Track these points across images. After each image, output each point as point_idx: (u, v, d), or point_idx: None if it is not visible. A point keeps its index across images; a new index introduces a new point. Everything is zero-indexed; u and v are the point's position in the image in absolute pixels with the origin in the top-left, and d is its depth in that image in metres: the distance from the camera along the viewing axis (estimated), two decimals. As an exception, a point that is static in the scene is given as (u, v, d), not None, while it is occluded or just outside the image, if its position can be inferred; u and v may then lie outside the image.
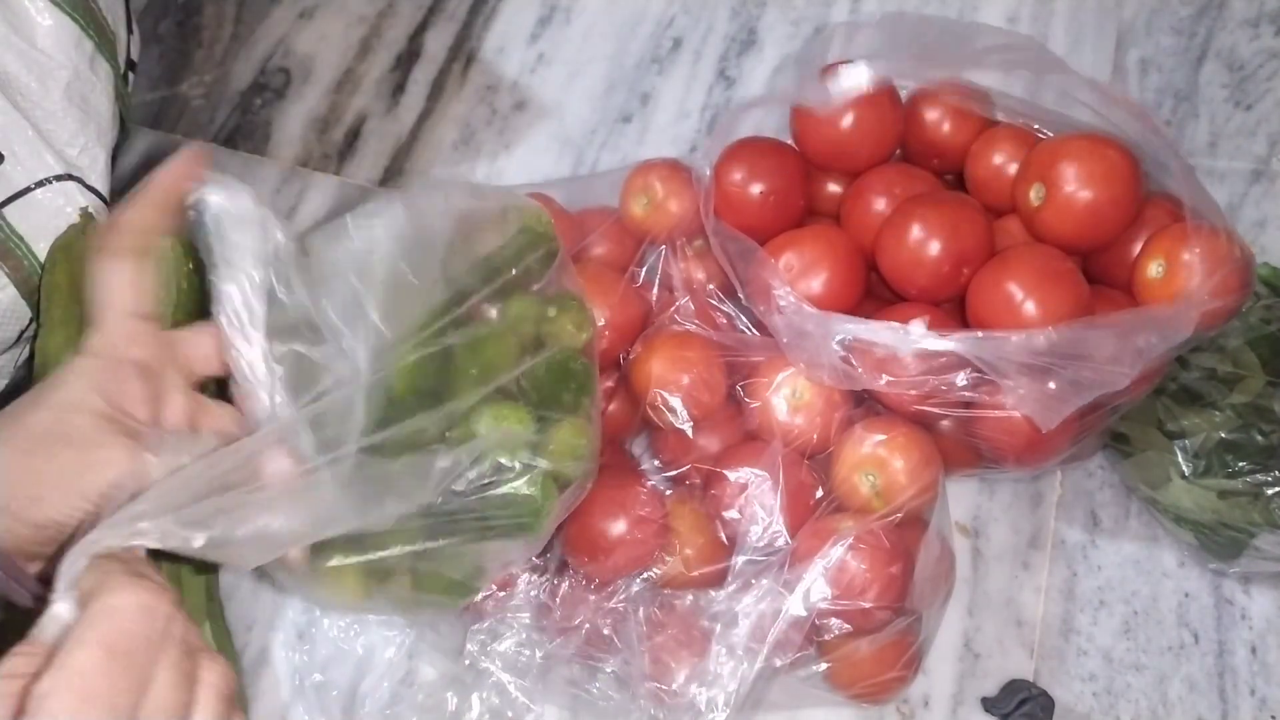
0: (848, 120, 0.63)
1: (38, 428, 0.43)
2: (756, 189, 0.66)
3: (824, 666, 0.60)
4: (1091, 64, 0.83)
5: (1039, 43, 0.63)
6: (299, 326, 0.51)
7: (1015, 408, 0.57)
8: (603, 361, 0.66)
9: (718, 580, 0.62)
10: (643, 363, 0.64)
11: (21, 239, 0.71)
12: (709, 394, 0.63)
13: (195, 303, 0.72)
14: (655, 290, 0.69)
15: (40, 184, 0.72)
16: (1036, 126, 0.65)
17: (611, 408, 0.67)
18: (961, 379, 0.57)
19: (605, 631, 0.62)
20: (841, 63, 0.62)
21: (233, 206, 0.50)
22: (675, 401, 0.63)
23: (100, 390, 0.44)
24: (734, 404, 0.65)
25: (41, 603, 0.37)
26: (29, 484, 0.41)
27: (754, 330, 0.67)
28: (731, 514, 0.61)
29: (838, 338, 0.58)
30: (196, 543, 0.41)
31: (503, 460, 0.52)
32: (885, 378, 0.58)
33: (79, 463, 0.41)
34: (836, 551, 0.58)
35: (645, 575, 0.62)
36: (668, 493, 0.65)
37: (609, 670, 0.62)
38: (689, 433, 0.64)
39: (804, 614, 0.58)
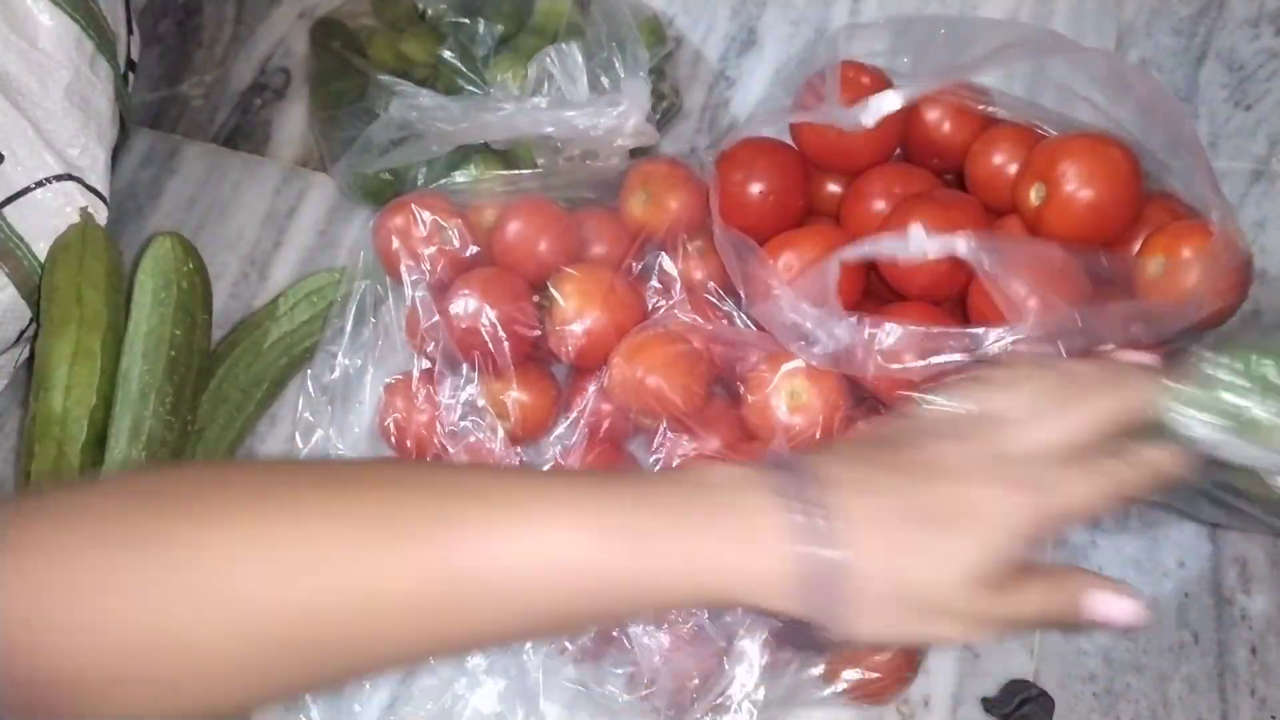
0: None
1: None
2: (756, 189, 0.66)
3: (824, 667, 0.60)
4: (1091, 64, 0.83)
5: (1048, 29, 0.63)
6: None
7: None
8: (597, 361, 0.66)
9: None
10: (621, 361, 0.64)
11: (21, 239, 0.71)
12: (688, 390, 0.63)
13: (195, 303, 0.72)
14: (653, 289, 0.69)
15: (40, 184, 0.72)
16: (1037, 125, 0.65)
17: (606, 407, 0.67)
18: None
19: (613, 633, 0.62)
20: (871, 88, 0.61)
21: None
22: (652, 399, 0.63)
23: None
24: (733, 403, 0.65)
25: None
26: None
27: (753, 329, 0.67)
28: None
29: (839, 260, 0.58)
30: None
31: None
32: (880, 362, 0.58)
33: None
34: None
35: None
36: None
37: (618, 671, 0.62)
38: (668, 430, 0.64)
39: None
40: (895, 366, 0.57)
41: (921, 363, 0.58)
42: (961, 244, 0.56)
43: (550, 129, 0.68)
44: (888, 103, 0.60)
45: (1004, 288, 0.55)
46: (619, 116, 0.67)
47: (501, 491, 0.34)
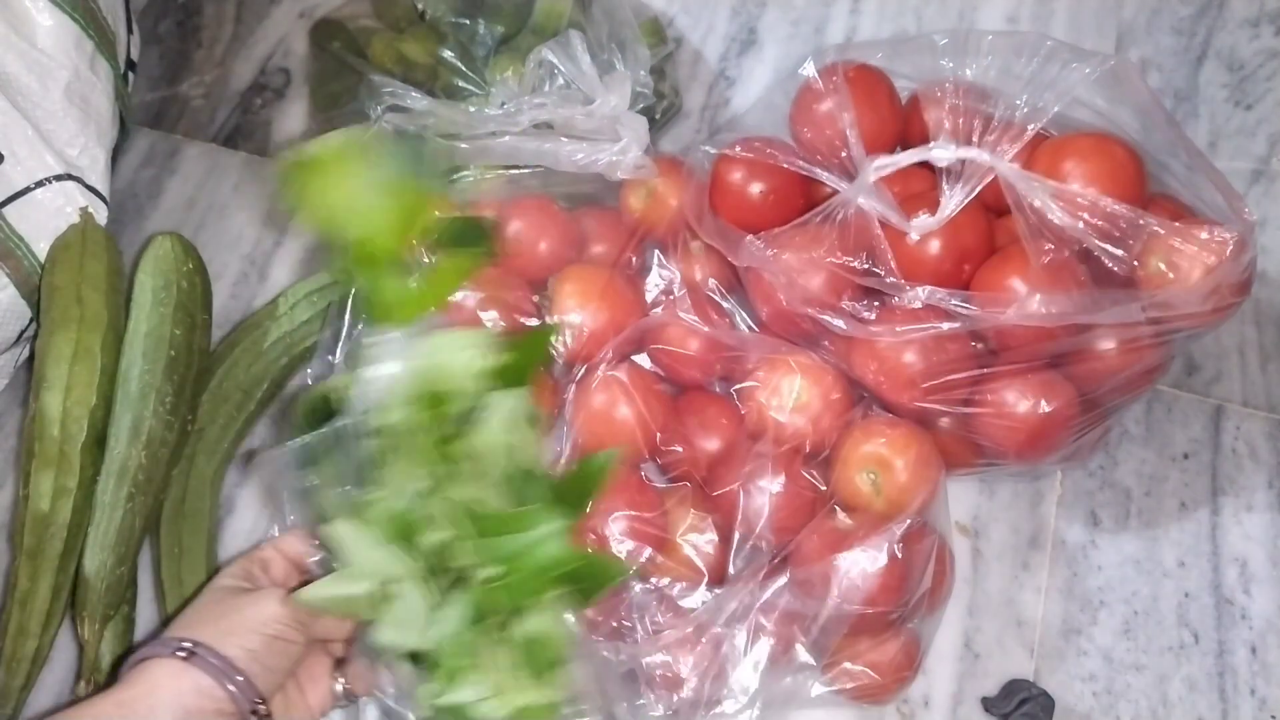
0: (847, 119, 0.63)
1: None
2: (756, 188, 0.66)
3: (824, 666, 0.60)
4: (1091, 64, 0.83)
5: (1047, 36, 0.64)
6: None
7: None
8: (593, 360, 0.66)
9: (717, 580, 0.62)
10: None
11: (21, 239, 0.71)
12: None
13: (195, 303, 0.72)
14: (653, 286, 0.69)
15: (40, 184, 0.72)
16: (1039, 126, 0.65)
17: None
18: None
19: (610, 633, 0.61)
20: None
21: None
22: None
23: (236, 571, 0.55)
24: (733, 403, 0.65)
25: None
26: (215, 629, 0.51)
27: (753, 328, 0.67)
28: (731, 512, 0.61)
29: (873, 177, 0.60)
30: None
31: None
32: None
33: (241, 606, 0.52)
34: (837, 552, 0.58)
35: (645, 575, 0.62)
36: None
37: (618, 672, 0.62)
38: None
39: (806, 614, 0.58)
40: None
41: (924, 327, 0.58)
42: (979, 153, 0.58)
43: (550, 162, 0.68)
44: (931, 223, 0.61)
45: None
46: (619, 152, 0.67)
47: None
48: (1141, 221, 0.57)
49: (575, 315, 0.65)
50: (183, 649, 0.49)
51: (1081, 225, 0.57)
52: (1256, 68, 0.83)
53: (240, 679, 0.49)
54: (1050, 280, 0.58)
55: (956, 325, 0.59)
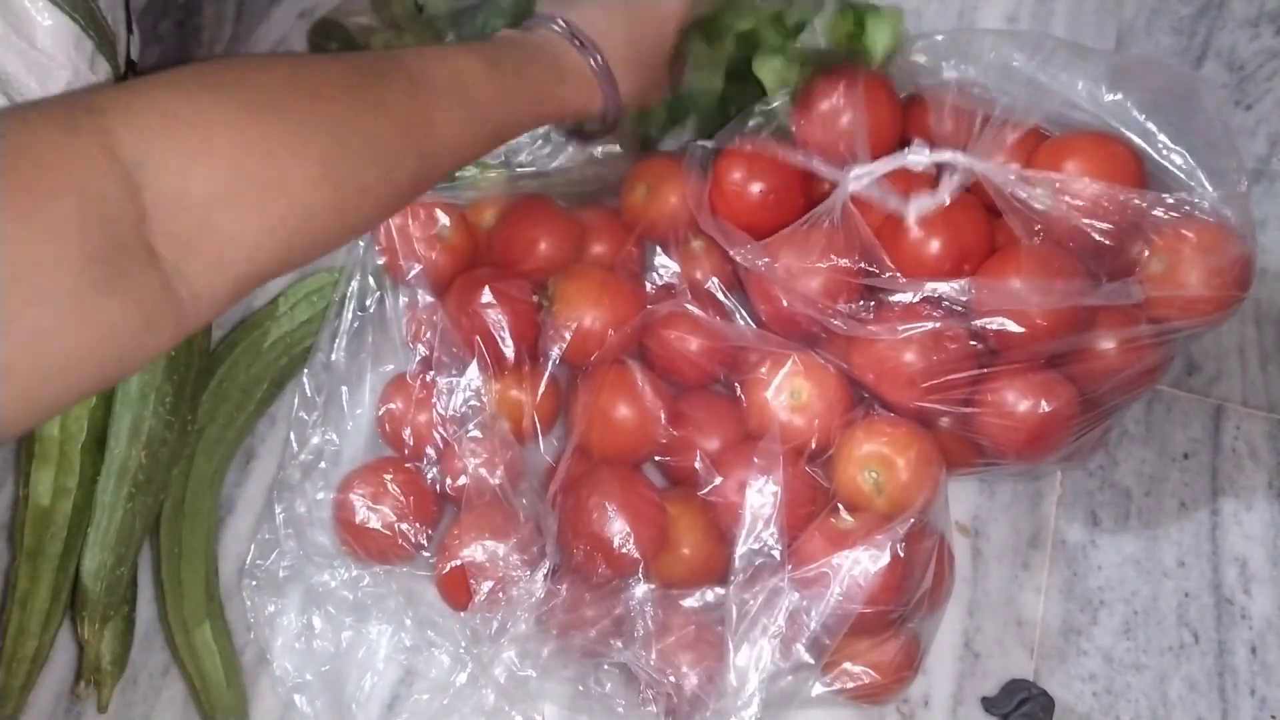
0: (847, 119, 0.63)
1: None
2: (756, 188, 0.66)
3: (824, 666, 0.60)
4: (1091, 64, 0.83)
5: (1049, 35, 0.64)
6: None
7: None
8: (600, 361, 0.66)
9: (718, 579, 0.62)
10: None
11: (21, 239, 0.71)
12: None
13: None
14: (653, 285, 0.69)
15: (40, 184, 0.72)
16: (1039, 125, 0.65)
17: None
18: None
19: (609, 633, 0.62)
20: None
21: None
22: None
23: None
24: (733, 403, 0.65)
25: None
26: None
27: (754, 327, 0.67)
28: (731, 512, 0.61)
29: (852, 187, 0.61)
30: None
31: None
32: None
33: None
34: (839, 551, 0.58)
35: (645, 575, 0.62)
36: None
37: (618, 671, 0.62)
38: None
39: (807, 614, 0.58)
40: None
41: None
42: (956, 157, 0.59)
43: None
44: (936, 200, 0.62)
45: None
46: None
47: (434, 54, 0.53)
48: (1139, 202, 0.57)
49: (576, 315, 0.65)
50: (559, 24, 0.59)
51: (1074, 210, 0.57)
52: (1256, 68, 0.83)
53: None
54: (1050, 273, 0.58)
55: (954, 321, 0.59)
